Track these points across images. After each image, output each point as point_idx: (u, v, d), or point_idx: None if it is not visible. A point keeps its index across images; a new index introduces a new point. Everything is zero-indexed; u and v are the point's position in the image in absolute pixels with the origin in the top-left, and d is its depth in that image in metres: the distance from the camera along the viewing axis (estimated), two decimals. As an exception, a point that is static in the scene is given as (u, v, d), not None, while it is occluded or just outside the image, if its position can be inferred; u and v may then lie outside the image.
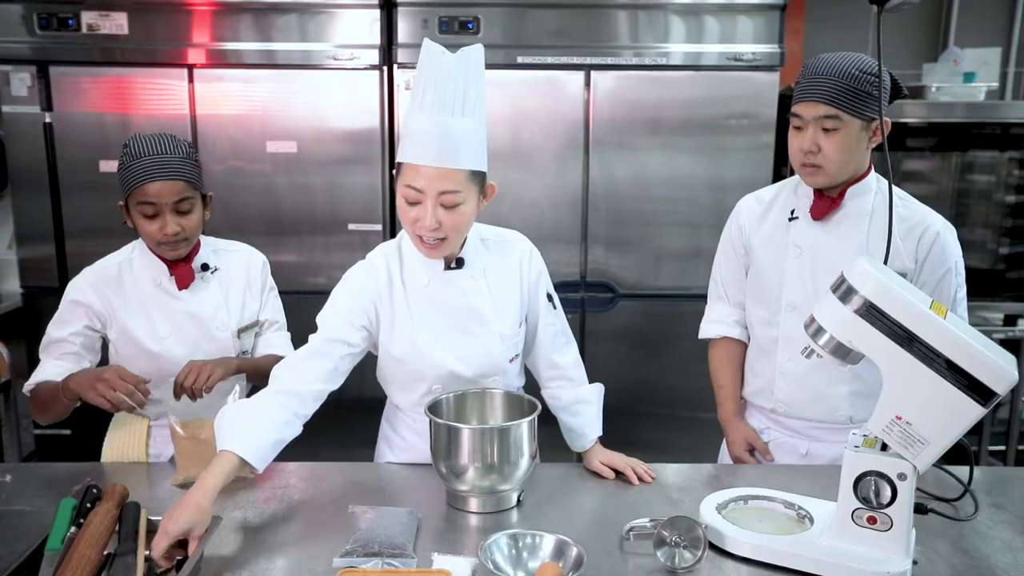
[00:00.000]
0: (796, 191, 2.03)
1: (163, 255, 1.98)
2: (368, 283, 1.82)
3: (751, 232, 2.07)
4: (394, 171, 1.76)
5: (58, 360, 1.97)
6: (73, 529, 1.40)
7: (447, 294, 1.83)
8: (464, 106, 1.66)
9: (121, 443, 2.01)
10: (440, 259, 1.81)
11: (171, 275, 1.99)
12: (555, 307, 1.96)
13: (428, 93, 1.65)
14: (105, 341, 2.03)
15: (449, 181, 1.66)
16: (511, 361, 1.89)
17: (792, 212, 2.01)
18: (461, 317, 1.84)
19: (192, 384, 1.83)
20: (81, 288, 1.98)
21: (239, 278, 2.09)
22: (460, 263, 1.83)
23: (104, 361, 2.04)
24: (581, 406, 1.95)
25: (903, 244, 1.91)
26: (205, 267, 2.04)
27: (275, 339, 2.14)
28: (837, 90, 1.82)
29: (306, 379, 1.71)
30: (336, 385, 1.77)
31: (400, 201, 1.71)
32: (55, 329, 1.98)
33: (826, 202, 1.95)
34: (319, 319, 1.80)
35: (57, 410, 1.93)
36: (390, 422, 2.02)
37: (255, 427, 1.61)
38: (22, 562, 1.35)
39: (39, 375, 1.96)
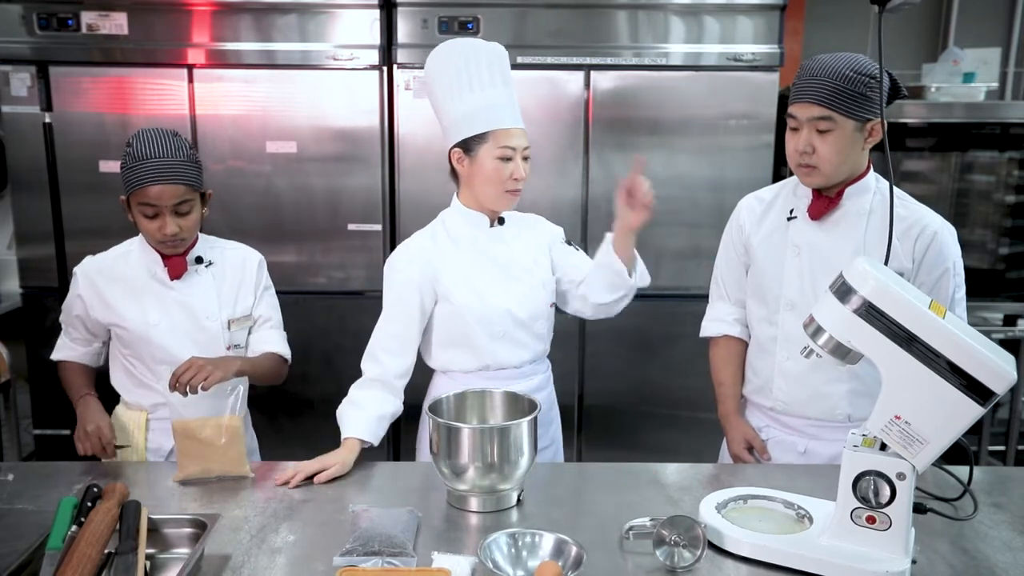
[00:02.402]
0: (795, 191, 2.04)
1: (162, 251, 2.03)
2: (416, 263, 2.03)
3: (751, 231, 2.08)
4: (457, 147, 1.98)
5: (73, 343, 2.16)
6: (74, 528, 1.40)
7: (494, 247, 2.07)
8: (510, 78, 2.01)
9: (121, 438, 2.06)
10: (486, 217, 2.05)
11: (164, 266, 2.04)
12: (576, 249, 2.18)
13: (483, 71, 1.95)
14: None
15: (527, 139, 2.00)
16: (550, 307, 2.15)
17: (791, 212, 2.01)
18: (509, 266, 2.07)
19: (188, 381, 1.85)
20: (77, 280, 2.09)
21: (234, 273, 2.13)
22: (502, 221, 2.09)
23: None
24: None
25: (901, 244, 1.91)
26: (199, 260, 2.09)
27: (269, 336, 2.17)
28: (830, 91, 1.84)
29: (385, 366, 1.99)
30: (414, 354, 2.04)
31: (494, 163, 1.96)
32: (64, 313, 2.16)
33: (824, 202, 1.95)
34: (384, 306, 2.04)
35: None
36: (437, 396, 2.05)
37: (358, 413, 1.93)
38: (23, 561, 1.35)
39: (62, 350, 2.17)
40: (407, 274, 2.02)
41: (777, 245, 2.02)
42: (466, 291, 2.02)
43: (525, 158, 1.99)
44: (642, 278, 2.08)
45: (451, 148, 2.00)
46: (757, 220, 2.08)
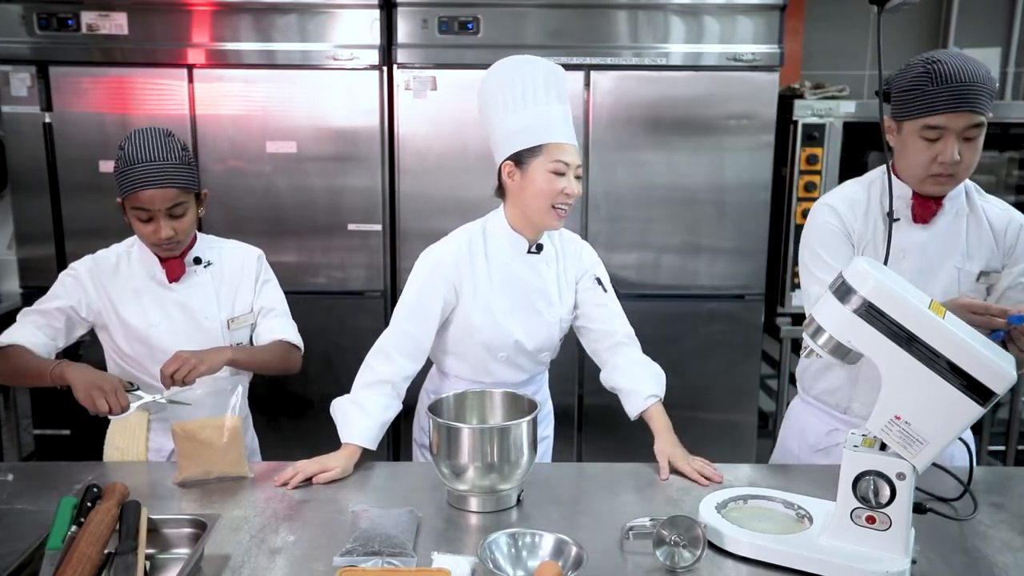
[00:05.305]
0: (886, 192, 1.91)
1: (158, 254, 2.03)
2: (445, 268, 2.00)
3: (850, 231, 1.96)
4: (509, 160, 1.95)
5: (37, 329, 2.00)
6: (74, 528, 1.40)
7: (525, 274, 2.04)
8: (566, 97, 2.00)
9: (122, 438, 2.06)
10: (526, 241, 2.03)
11: (163, 268, 2.04)
12: (605, 290, 2.13)
13: (539, 87, 1.94)
14: (92, 332, 2.10)
15: (579, 155, 1.98)
16: (560, 340, 2.16)
17: (891, 214, 1.89)
18: (533, 296, 2.05)
19: (172, 374, 1.84)
20: (79, 273, 2.05)
21: (233, 272, 2.13)
22: (540, 248, 2.05)
23: (97, 345, 2.12)
24: (636, 368, 2.05)
25: (995, 242, 1.91)
26: (198, 260, 2.09)
27: (276, 325, 2.15)
28: (987, 97, 1.77)
29: (397, 366, 1.97)
30: (423, 361, 2.03)
31: (546, 176, 1.93)
32: (46, 301, 2.04)
33: (931, 204, 1.89)
34: (401, 304, 2.02)
35: (25, 381, 1.99)
36: (436, 391, 2.13)
37: (364, 419, 1.90)
38: (23, 561, 1.35)
39: (13, 335, 1.98)
40: (434, 279, 2.00)
41: (877, 249, 1.93)
42: (482, 314, 2.02)
43: (577, 176, 1.96)
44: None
45: (503, 162, 1.98)
46: (860, 220, 1.96)
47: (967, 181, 1.94)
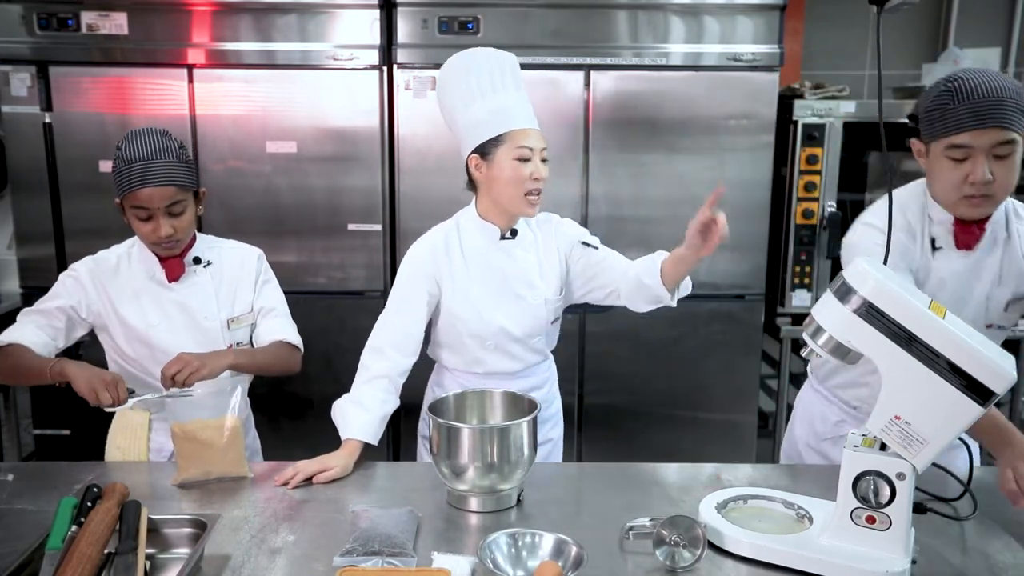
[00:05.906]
0: (926, 217, 1.86)
1: (158, 253, 2.04)
2: (424, 262, 2.04)
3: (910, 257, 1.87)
4: (474, 154, 1.97)
5: (38, 329, 2.01)
6: (74, 528, 1.40)
7: (501, 261, 2.06)
8: (521, 83, 2.03)
9: (124, 438, 2.06)
10: (497, 229, 2.04)
11: (162, 267, 2.05)
12: (597, 248, 2.11)
13: (495, 76, 1.96)
14: (91, 333, 2.10)
15: (543, 140, 1.99)
16: (552, 323, 2.14)
17: (934, 242, 1.85)
18: (513, 282, 2.06)
19: (173, 376, 1.85)
20: (79, 274, 2.05)
21: (232, 272, 2.14)
22: (514, 234, 2.07)
23: (97, 346, 2.12)
24: (642, 265, 2.00)
25: None
26: (197, 260, 2.09)
27: (275, 325, 2.15)
28: (1016, 111, 1.70)
29: (392, 361, 1.99)
30: (417, 354, 2.04)
31: (512, 164, 1.94)
32: (47, 301, 2.05)
33: (974, 230, 1.82)
34: (389, 301, 2.05)
35: (25, 380, 2.00)
36: (439, 383, 2.17)
37: (362, 414, 1.92)
38: (23, 561, 1.35)
39: (14, 335, 1.98)
40: (416, 274, 2.04)
41: (921, 274, 1.86)
42: (463, 304, 2.04)
43: (544, 160, 1.98)
44: (684, 291, 2.03)
45: (468, 155, 2.00)
46: (918, 248, 1.86)
47: (1011, 201, 1.86)
